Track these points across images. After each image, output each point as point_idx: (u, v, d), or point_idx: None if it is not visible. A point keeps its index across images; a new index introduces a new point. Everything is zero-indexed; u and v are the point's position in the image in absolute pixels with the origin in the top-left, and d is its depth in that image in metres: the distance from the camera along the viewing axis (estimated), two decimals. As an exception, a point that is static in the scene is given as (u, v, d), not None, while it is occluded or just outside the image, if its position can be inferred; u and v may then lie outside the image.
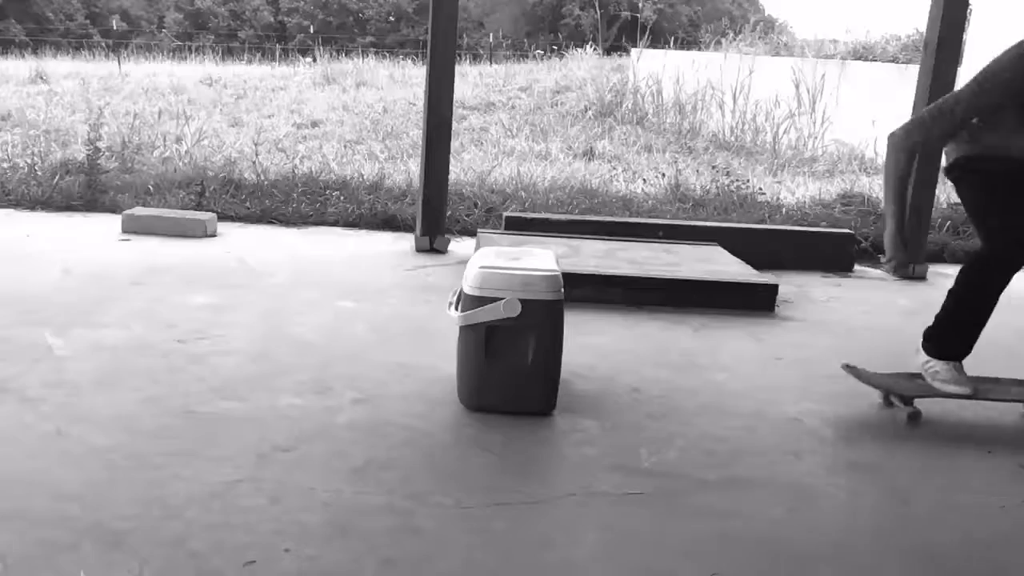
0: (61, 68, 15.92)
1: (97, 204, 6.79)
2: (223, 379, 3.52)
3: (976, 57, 13.31)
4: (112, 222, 6.23)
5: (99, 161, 7.17)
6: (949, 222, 7.22)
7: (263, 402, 3.32)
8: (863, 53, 14.67)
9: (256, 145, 8.44)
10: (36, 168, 7.43)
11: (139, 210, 6.29)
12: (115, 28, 30.77)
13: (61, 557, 2.26)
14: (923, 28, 6.40)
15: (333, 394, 3.44)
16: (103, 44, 23.57)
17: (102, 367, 3.57)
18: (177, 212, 6.33)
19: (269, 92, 14.68)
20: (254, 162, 7.84)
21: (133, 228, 6.06)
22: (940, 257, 6.74)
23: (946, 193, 8.14)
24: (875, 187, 9.14)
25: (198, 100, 13.51)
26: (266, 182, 7.40)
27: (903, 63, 13.37)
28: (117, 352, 3.75)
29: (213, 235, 6.15)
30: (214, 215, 6.33)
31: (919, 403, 3.55)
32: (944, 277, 6.26)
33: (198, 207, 6.68)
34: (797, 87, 13.17)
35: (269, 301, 4.65)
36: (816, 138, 12.87)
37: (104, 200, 6.84)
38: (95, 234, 5.99)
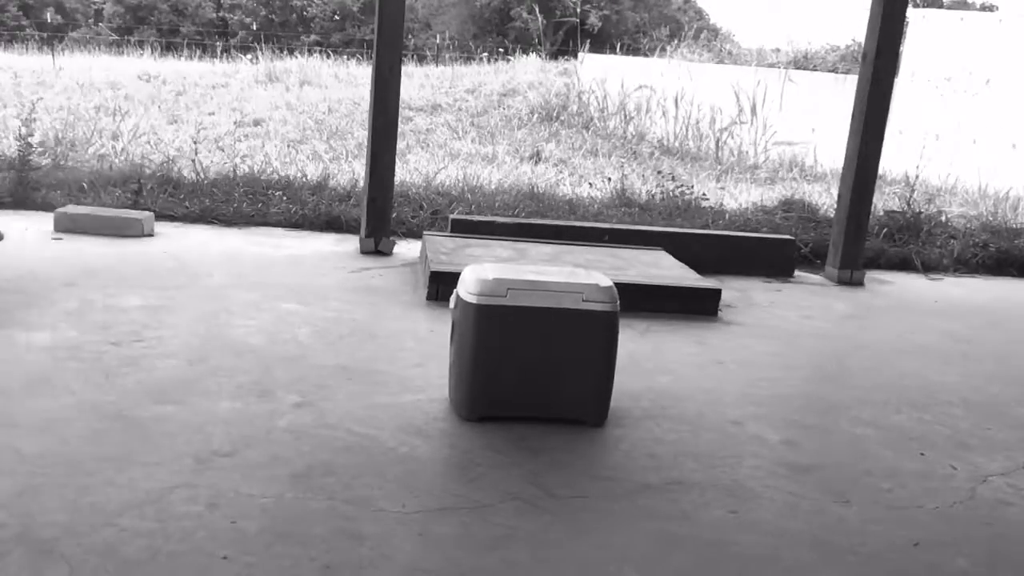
0: (-9, 61, 15.42)
1: (28, 202, 6.57)
2: (159, 382, 3.43)
3: (912, 68, 13.65)
4: (44, 220, 6.04)
5: (31, 157, 6.94)
6: (885, 229, 7.40)
7: (201, 406, 3.24)
8: (804, 63, 14.98)
9: (196, 143, 8.26)
10: (-37, 163, 7.17)
11: (72, 208, 6.10)
12: (50, 21, 29.95)
13: (-15, 568, 2.17)
14: (861, 38, 6.56)
15: (274, 398, 3.38)
16: (36, 37, 22.92)
17: (33, 370, 3.45)
18: (112, 211, 6.16)
19: (210, 89, 14.42)
20: (193, 160, 7.67)
21: (66, 227, 5.88)
22: (876, 263, 6.90)
23: (882, 201, 8.36)
24: (815, 194, 9.34)
25: (136, 96, 13.20)
26: (206, 181, 7.25)
27: (842, 73, 13.68)
28: (48, 355, 3.63)
29: (150, 235, 6.00)
30: (151, 214, 6.17)
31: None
32: (880, 283, 6.41)
33: (134, 206, 6.51)
34: (737, 96, 13.40)
35: (208, 303, 4.55)
36: (758, 145, 13.11)
37: (36, 198, 6.62)
38: (26, 233, 5.80)
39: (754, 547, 2.61)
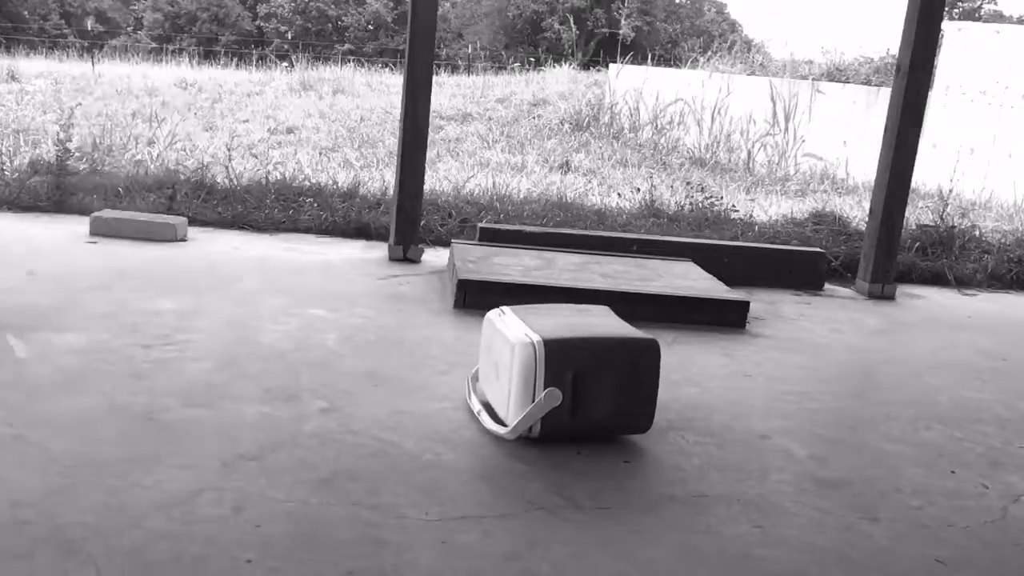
0: (33, 67, 15.73)
1: (65, 205, 6.68)
2: (188, 386, 3.47)
3: (946, 81, 13.50)
4: (80, 224, 6.14)
5: (68, 162, 7.06)
6: (918, 243, 7.31)
7: (229, 410, 3.27)
8: (837, 75, 14.86)
9: (229, 150, 8.36)
10: (4, 168, 7.31)
11: (108, 212, 6.20)
12: (90, 29, 30.52)
13: (14, 565, 2.21)
14: (895, 50, 6.49)
15: (300, 403, 3.40)
16: (77, 44, 23.38)
17: (64, 371, 3.51)
18: (147, 215, 6.25)
19: (245, 97, 14.61)
20: (227, 167, 7.77)
21: (101, 231, 5.97)
22: (908, 278, 6.82)
23: (915, 214, 8.25)
24: (846, 207, 9.25)
25: (172, 103, 13.41)
26: (239, 187, 7.32)
27: (875, 85, 13.56)
28: (80, 356, 3.69)
29: (183, 239, 6.08)
30: (185, 219, 6.25)
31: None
32: (912, 298, 6.33)
33: (168, 211, 6.60)
34: (774, 104, 13.32)
35: (238, 308, 4.59)
36: (789, 157, 13.02)
37: (72, 202, 6.73)
38: (62, 236, 5.90)
39: (779, 562, 2.58)
